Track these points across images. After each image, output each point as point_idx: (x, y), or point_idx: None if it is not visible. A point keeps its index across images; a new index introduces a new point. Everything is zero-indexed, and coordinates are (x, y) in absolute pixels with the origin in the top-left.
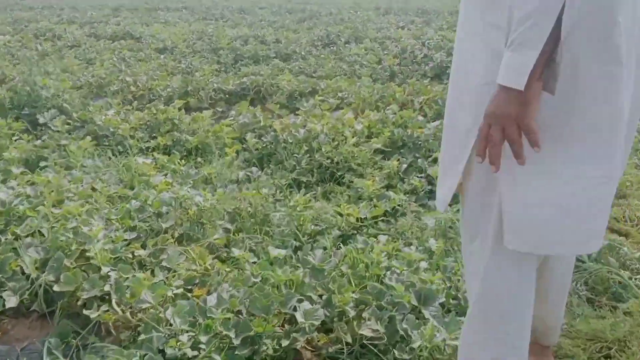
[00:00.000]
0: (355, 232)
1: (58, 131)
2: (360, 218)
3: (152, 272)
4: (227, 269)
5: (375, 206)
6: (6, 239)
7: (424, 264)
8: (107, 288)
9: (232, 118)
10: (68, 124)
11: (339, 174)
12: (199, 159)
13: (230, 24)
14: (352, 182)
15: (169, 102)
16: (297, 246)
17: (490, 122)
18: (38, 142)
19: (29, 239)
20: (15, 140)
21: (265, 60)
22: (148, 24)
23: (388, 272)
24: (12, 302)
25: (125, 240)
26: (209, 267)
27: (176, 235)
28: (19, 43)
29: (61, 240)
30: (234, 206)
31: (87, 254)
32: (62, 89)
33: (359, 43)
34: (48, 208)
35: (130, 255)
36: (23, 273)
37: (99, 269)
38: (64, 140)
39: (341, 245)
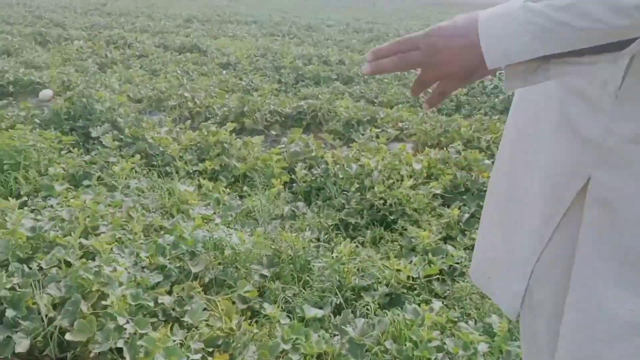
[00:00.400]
0: (405, 291)
1: (107, 147)
2: (412, 277)
3: (172, 327)
4: (255, 330)
5: (430, 262)
6: (30, 268)
7: (483, 347)
8: (120, 344)
9: (283, 145)
10: (119, 139)
11: (391, 218)
12: (245, 188)
13: (296, 41)
14: (406, 229)
15: (224, 121)
16: (337, 304)
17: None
18: (87, 157)
19: (54, 270)
20: (66, 154)
21: (326, 81)
22: (216, 36)
23: (439, 355)
24: (23, 346)
25: (149, 285)
26: (235, 328)
27: (206, 280)
28: (90, 49)
29: (82, 279)
30: (272, 250)
31: (104, 301)
32: (118, 103)
33: None
34: (76, 239)
35: (152, 304)
36: (39, 312)
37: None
38: (112, 158)
39: (387, 309)
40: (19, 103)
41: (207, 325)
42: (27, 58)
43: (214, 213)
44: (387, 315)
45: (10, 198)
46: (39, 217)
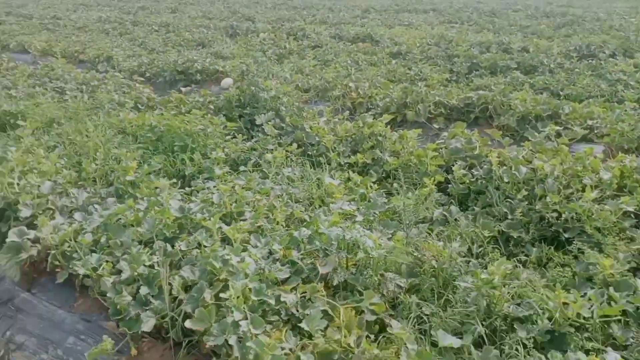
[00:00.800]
0: (572, 331)
1: (268, 135)
2: (584, 315)
3: (286, 332)
4: (376, 350)
5: (610, 299)
6: (173, 247)
7: None
8: (232, 340)
9: (442, 140)
10: (280, 128)
11: (565, 236)
12: (394, 185)
13: (475, 28)
14: (583, 252)
15: (385, 112)
16: (481, 335)
17: None
18: (249, 143)
19: (195, 252)
20: (230, 139)
21: (504, 71)
22: (391, 25)
23: None
24: (149, 325)
25: (275, 280)
26: (353, 345)
27: (334, 282)
28: (272, 41)
29: (212, 266)
30: (413, 258)
31: (222, 293)
32: (283, 92)
33: (628, 57)
34: (214, 224)
35: (274, 301)
36: (171, 293)
37: None
38: (271, 145)
39: (545, 350)
40: (201, 90)
41: (324, 335)
42: (217, 49)
43: (357, 209)
44: (543, 359)
45: (175, 178)
46: (192, 198)
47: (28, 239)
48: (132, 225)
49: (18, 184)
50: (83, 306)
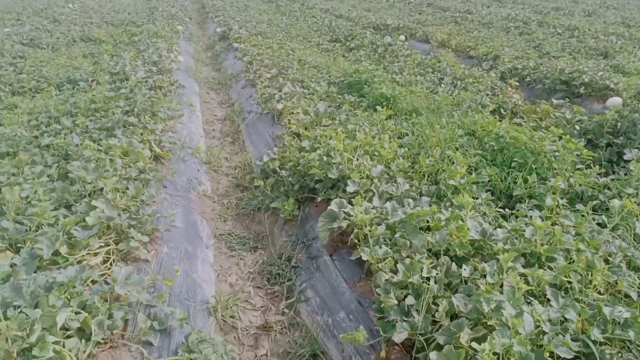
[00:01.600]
0: None
1: (632, 176)
2: None
3: None
4: None
5: None
6: (457, 268)
7: None
8: None
9: None
10: None
11: None
12: None
13: None
14: None
15: None
16: None
17: None
18: (604, 179)
19: (478, 282)
20: (581, 170)
21: None
22: None
23: None
24: (400, 336)
25: (552, 355)
26: None
27: None
28: None
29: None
30: None
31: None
32: None
33: None
34: (506, 261)
35: None
36: (434, 315)
37: None
38: (631, 189)
39: None
40: (574, 106)
41: None
42: (619, 62)
43: None
44: None
45: (500, 195)
46: (503, 222)
47: (344, 211)
48: (429, 230)
49: (357, 161)
50: (363, 288)
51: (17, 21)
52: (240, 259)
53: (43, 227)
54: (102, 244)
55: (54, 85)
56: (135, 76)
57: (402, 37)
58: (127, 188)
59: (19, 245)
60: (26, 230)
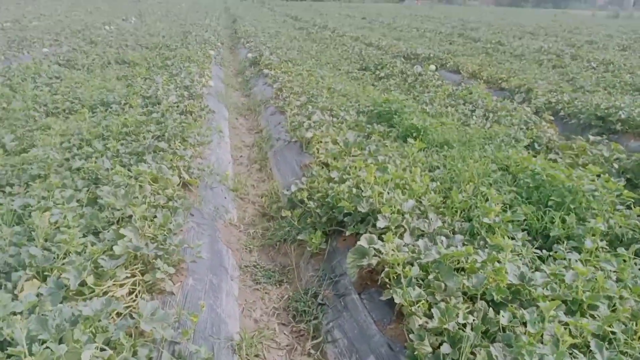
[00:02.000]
0: None
1: None
2: None
3: None
4: None
5: None
6: (496, 314)
7: None
8: None
9: None
10: None
11: None
12: None
13: None
14: None
15: None
16: None
17: None
18: None
19: (518, 330)
20: (621, 210)
21: None
22: None
23: None
24: None
25: None
26: None
27: None
28: None
29: None
30: None
31: None
32: None
33: None
34: (548, 310)
35: None
36: None
37: None
38: None
39: None
40: (612, 143)
41: None
42: None
43: None
44: None
45: (537, 236)
46: (541, 266)
47: (374, 247)
48: (463, 271)
49: (387, 195)
50: (394, 331)
51: (55, 41)
52: (266, 292)
53: (71, 254)
54: (129, 274)
55: (87, 107)
56: (167, 100)
57: (433, 67)
58: (155, 216)
59: (46, 273)
60: (54, 258)
